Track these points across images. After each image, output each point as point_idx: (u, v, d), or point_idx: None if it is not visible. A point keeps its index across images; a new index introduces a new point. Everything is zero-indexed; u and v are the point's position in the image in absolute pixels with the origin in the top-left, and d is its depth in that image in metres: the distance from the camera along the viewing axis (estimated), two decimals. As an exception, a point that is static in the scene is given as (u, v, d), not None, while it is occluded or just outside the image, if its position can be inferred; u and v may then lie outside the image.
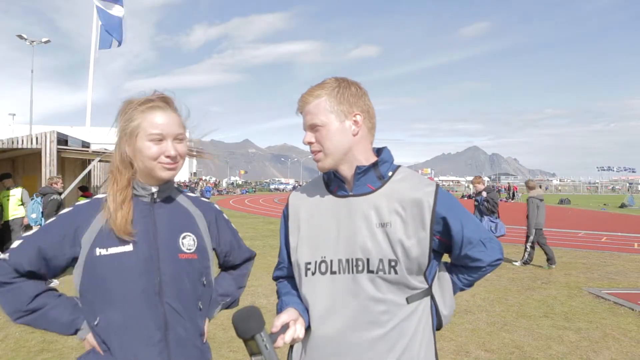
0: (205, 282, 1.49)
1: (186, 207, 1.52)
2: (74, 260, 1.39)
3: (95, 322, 1.36)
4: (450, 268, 1.50)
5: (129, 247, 1.37)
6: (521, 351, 4.53)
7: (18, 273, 1.36)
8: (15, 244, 1.39)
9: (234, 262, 1.68)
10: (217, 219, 1.58)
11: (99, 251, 1.36)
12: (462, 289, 1.51)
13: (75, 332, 1.39)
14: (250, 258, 1.74)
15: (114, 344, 1.34)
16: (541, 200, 9.20)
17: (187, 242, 1.44)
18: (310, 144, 1.40)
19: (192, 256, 1.44)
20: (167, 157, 1.38)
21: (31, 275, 1.37)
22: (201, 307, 1.48)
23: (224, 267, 1.70)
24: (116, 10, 8.82)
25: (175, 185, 1.54)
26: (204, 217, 1.54)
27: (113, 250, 1.36)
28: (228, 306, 1.65)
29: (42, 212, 7.61)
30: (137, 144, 1.38)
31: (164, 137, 1.38)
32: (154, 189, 1.44)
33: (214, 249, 1.57)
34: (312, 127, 1.39)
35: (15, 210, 8.21)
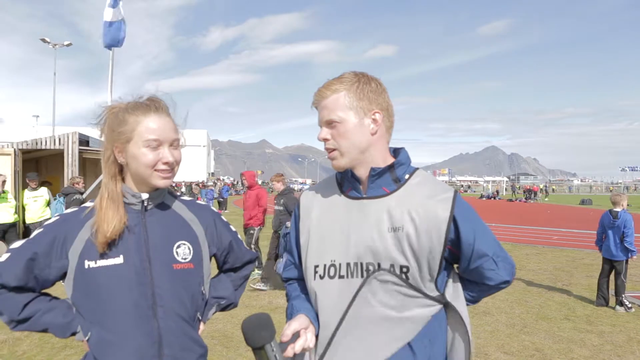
0: (204, 292, 1.44)
1: (180, 213, 1.44)
2: (64, 274, 1.32)
3: (87, 337, 1.32)
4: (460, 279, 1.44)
5: (119, 260, 1.29)
6: (542, 354, 4.46)
7: (5, 289, 1.31)
8: (3, 257, 1.32)
9: (234, 265, 1.61)
10: (215, 222, 1.50)
11: (88, 264, 1.29)
12: (466, 304, 1.43)
13: (73, 335, 1.35)
14: (251, 260, 1.66)
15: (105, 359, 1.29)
16: None
17: (182, 252, 1.37)
18: (325, 140, 1.34)
19: (188, 266, 1.37)
20: (165, 163, 1.31)
21: (18, 290, 1.32)
22: (199, 317, 1.43)
23: (224, 270, 1.63)
24: (114, 15, 8.53)
25: (170, 190, 1.46)
26: (200, 222, 1.46)
27: (102, 262, 1.28)
28: (224, 308, 1.57)
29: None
30: (130, 150, 1.31)
31: (160, 143, 1.31)
32: (145, 196, 1.36)
33: (214, 254, 1.51)
34: (329, 123, 1.32)
35: (43, 212, 8.25)
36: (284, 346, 1.20)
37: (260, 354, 1.14)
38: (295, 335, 1.25)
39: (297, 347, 1.22)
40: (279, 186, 7.36)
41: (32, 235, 1.35)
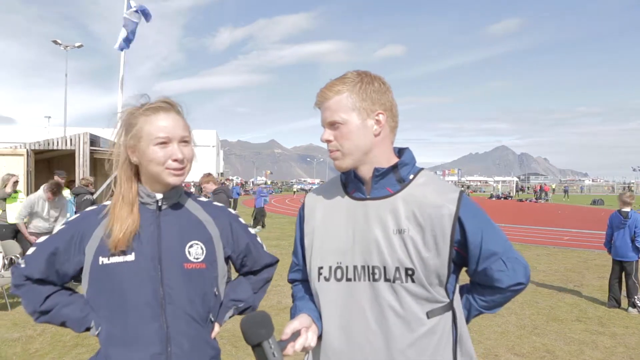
0: (217, 293, 1.44)
1: (195, 213, 1.45)
2: (82, 269, 1.37)
3: (97, 332, 1.36)
4: (469, 287, 1.41)
5: (130, 257, 1.32)
6: (553, 356, 4.42)
7: (29, 280, 1.36)
8: (30, 250, 1.39)
9: (253, 268, 1.59)
10: (231, 224, 1.50)
11: (102, 260, 1.33)
12: (479, 312, 1.40)
13: (88, 330, 1.38)
14: (271, 264, 1.63)
15: (113, 355, 1.32)
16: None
17: (195, 251, 1.38)
18: (328, 142, 1.32)
19: (200, 266, 1.37)
20: (175, 160, 1.33)
21: (41, 282, 1.37)
22: (212, 318, 1.43)
23: (243, 273, 1.61)
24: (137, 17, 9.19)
25: (186, 190, 1.47)
26: (216, 223, 1.46)
27: (115, 259, 1.32)
28: (242, 311, 1.55)
29: (75, 212, 7.84)
30: (142, 149, 1.33)
31: (169, 140, 1.33)
32: (159, 196, 1.39)
33: (229, 256, 1.50)
34: (331, 125, 1.31)
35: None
36: (284, 345, 1.19)
37: (259, 351, 1.14)
38: (296, 334, 1.24)
39: (297, 345, 1.22)
40: (209, 187, 6.79)
41: (55, 231, 1.41)
